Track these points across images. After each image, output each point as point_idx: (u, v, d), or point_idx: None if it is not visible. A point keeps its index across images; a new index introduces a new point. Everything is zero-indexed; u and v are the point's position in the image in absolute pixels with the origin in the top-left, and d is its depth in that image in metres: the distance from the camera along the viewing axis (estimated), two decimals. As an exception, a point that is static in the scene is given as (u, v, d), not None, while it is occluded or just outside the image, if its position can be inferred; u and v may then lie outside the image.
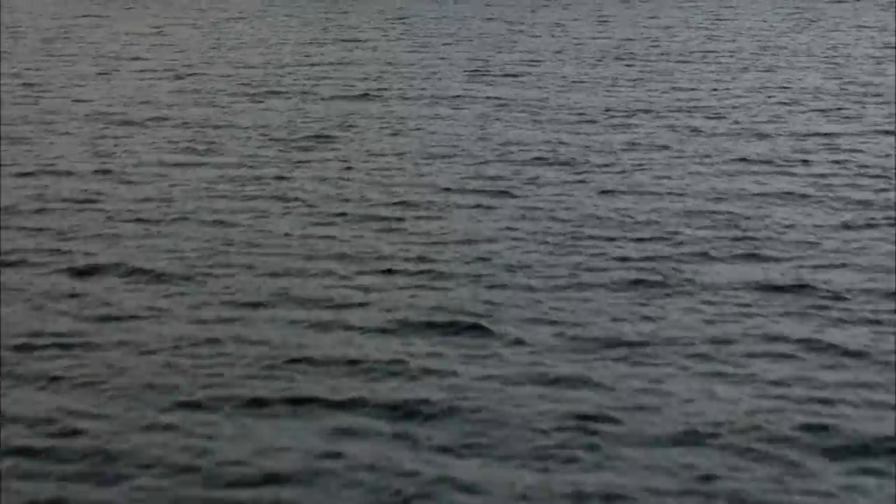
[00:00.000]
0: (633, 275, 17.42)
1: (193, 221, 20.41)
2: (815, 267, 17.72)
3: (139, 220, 20.55)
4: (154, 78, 35.72)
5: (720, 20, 48.63)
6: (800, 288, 16.77)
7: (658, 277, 17.27)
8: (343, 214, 20.68)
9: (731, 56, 38.63)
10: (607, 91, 32.39)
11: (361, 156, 25.06)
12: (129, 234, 19.72)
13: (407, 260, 18.24)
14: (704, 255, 18.29)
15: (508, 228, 19.80)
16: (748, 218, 20.30)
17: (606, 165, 24.03)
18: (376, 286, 17.09)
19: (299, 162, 24.57)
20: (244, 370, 14.20)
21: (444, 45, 41.72)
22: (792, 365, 14.30)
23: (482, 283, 17.16)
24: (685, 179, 22.94)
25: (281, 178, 23.30)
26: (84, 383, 13.87)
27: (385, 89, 32.93)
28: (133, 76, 36.13)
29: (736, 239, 19.11)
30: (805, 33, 44.48)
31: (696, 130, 27.31)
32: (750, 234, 19.42)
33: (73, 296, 16.80)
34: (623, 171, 23.49)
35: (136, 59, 39.79)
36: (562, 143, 26.06)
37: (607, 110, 29.66)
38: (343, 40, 43.43)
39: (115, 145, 26.56)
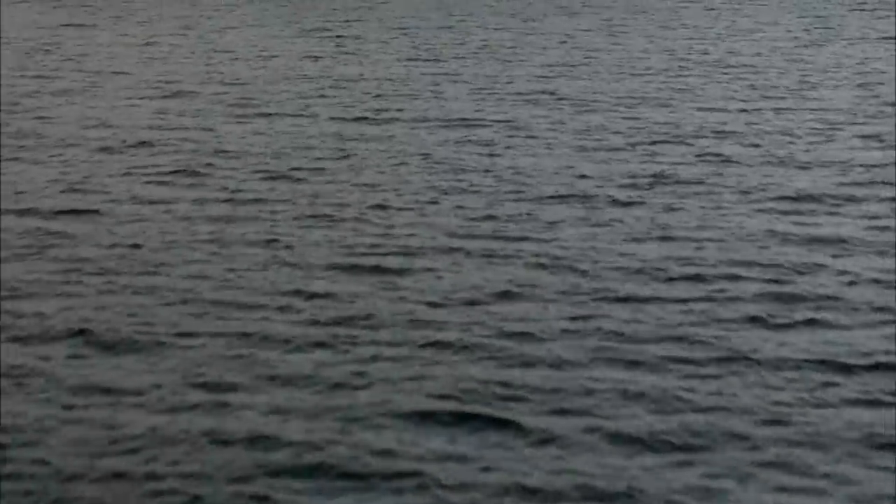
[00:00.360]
0: (675, 348, 14.81)
1: (166, 275, 17.83)
2: (889, 337, 15.11)
3: (103, 273, 17.97)
4: (138, 96, 33.16)
5: (738, 30, 46.03)
6: (876, 367, 14.13)
7: (706, 353, 14.66)
8: (336, 267, 18.08)
9: (756, 72, 35.99)
10: (626, 112, 29.78)
11: (358, 192, 22.42)
12: (90, 292, 17.13)
13: (409, 326, 15.66)
14: (757, 321, 15.65)
15: (525, 285, 17.19)
16: (800, 272, 17.69)
17: (632, 204, 21.38)
18: (372, 363, 14.50)
19: (288, 199, 21.95)
20: (213, 486, 11.60)
21: (448, 59, 39.12)
22: (885, 475, 11.69)
23: (498, 359, 14.57)
24: (722, 222, 20.31)
25: (267, 218, 20.72)
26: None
27: (384, 110, 30.32)
28: (116, 94, 33.57)
29: (791, 299, 16.49)
30: (830, 45, 41.87)
31: (727, 160, 24.68)
32: (805, 292, 16.82)
33: (13, 376, 14.19)
34: (652, 213, 20.84)
35: (121, 73, 37.23)
36: (581, 175, 23.44)
37: (628, 135, 27.06)
38: (340, 53, 40.85)
39: (87, 177, 23.98)
